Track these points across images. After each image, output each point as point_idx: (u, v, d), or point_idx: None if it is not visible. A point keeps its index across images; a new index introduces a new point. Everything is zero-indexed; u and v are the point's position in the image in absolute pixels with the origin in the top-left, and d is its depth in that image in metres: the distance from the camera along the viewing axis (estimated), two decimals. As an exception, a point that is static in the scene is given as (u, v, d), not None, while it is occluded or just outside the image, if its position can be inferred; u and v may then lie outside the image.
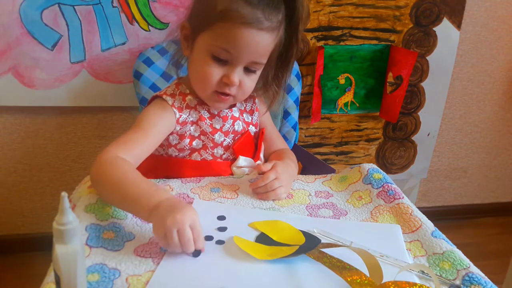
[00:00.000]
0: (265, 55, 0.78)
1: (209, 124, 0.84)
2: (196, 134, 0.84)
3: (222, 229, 0.65)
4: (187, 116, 0.83)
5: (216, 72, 0.76)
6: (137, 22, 1.28)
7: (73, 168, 1.46)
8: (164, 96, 0.82)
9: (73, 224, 0.44)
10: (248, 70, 0.78)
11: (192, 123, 0.84)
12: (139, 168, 0.73)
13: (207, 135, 0.84)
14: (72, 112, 1.39)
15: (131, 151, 0.73)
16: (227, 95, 0.79)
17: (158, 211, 0.59)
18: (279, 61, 0.83)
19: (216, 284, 0.53)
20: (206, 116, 0.84)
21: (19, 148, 1.41)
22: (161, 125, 0.80)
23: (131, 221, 0.65)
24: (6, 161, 1.41)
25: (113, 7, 1.25)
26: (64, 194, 0.44)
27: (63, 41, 1.26)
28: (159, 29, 1.30)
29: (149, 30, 1.30)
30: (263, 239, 0.63)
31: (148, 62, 1.18)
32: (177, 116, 0.82)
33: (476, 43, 1.62)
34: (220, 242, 0.62)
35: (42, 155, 1.43)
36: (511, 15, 1.60)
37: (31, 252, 1.47)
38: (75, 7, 1.23)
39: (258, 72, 0.81)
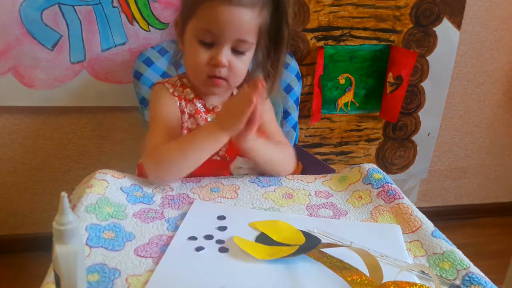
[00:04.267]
0: (249, 33, 0.78)
1: (204, 118, 0.86)
2: (192, 127, 0.86)
3: (222, 228, 0.65)
4: (184, 107, 0.86)
5: (204, 56, 0.79)
6: (137, 22, 1.28)
7: (73, 168, 1.46)
8: (166, 84, 0.87)
9: (73, 224, 0.44)
10: (236, 51, 0.79)
11: (189, 115, 0.86)
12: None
13: None
14: (72, 112, 1.39)
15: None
16: (220, 78, 0.81)
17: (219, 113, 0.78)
18: (272, 44, 0.84)
19: (216, 284, 0.53)
20: (202, 110, 0.87)
21: (19, 148, 1.41)
22: (172, 112, 0.85)
23: (131, 221, 0.65)
24: (6, 161, 1.41)
25: (113, 7, 1.25)
26: (64, 194, 0.44)
27: (63, 41, 1.26)
28: (159, 29, 1.30)
29: (149, 30, 1.30)
30: (263, 239, 0.63)
31: (148, 62, 1.18)
32: (177, 103, 0.86)
33: (476, 43, 1.62)
34: (220, 241, 0.62)
35: (42, 155, 1.43)
36: (511, 15, 1.60)
37: (31, 252, 1.47)
38: (75, 7, 1.23)
39: (249, 54, 0.82)
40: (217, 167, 0.86)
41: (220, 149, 0.88)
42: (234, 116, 0.73)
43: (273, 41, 0.83)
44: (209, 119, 0.87)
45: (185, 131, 0.86)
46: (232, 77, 0.82)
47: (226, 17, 0.75)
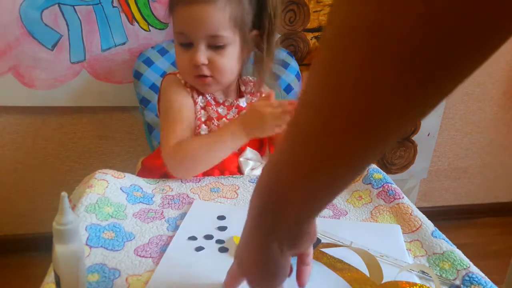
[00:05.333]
0: (220, 28, 0.78)
1: (215, 110, 0.88)
2: (203, 119, 0.87)
3: (222, 228, 0.65)
4: (196, 99, 0.87)
5: (184, 58, 0.81)
6: (137, 22, 1.28)
7: (73, 168, 1.46)
8: (178, 75, 0.87)
9: (73, 224, 0.44)
10: (215, 47, 0.80)
11: (201, 108, 0.87)
12: (157, 155, 0.81)
13: (213, 121, 0.87)
14: (72, 112, 1.39)
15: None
16: (205, 76, 0.81)
17: (244, 116, 0.80)
18: (260, 30, 0.84)
19: (216, 284, 0.53)
20: (212, 103, 0.88)
21: (19, 148, 1.41)
22: (187, 102, 0.85)
23: (131, 221, 0.65)
24: (6, 161, 1.41)
25: (113, 7, 1.25)
26: (64, 194, 0.44)
27: (63, 41, 1.26)
28: (159, 29, 1.30)
29: (149, 30, 1.30)
30: (263, 239, 0.63)
31: (148, 62, 1.18)
32: (190, 94, 0.86)
33: (476, 43, 1.62)
34: (220, 241, 0.62)
35: (42, 155, 1.43)
36: (511, 15, 1.60)
37: (31, 252, 1.47)
38: (75, 7, 1.23)
39: (231, 48, 0.81)
40: (225, 160, 0.86)
41: None
42: (261, 124, 0.78)
43: (259, 26, 0.83)
44: (219, 111, 0.88)
45: (198, 122, 0.86)
46: (217, 74, 0.82)
47: (189, 17, 0.77)
